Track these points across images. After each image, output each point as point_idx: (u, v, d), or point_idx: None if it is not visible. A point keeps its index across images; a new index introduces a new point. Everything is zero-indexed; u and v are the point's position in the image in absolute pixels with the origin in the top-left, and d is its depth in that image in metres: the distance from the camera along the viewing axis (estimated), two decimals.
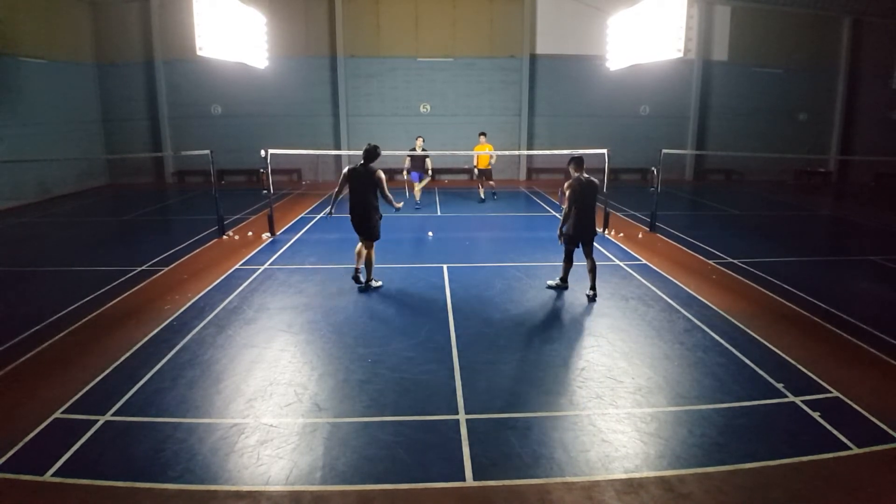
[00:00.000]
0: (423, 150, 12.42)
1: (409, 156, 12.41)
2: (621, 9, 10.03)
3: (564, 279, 6.73)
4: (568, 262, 6.62)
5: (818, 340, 5.34)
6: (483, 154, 12.99)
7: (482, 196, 13.64)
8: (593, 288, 6.43)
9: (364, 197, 6.42)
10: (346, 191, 6.57)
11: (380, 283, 6.88)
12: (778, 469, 3.37)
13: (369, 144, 6.56)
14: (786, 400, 4.18)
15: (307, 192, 15.61)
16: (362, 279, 6.78)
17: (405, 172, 12.65)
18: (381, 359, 4.88)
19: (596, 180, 6.42)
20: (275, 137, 16.28)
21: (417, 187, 12.63)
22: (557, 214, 11.99)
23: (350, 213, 6.54)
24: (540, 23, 17.59)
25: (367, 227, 6.51)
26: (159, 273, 7.54)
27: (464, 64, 17.68)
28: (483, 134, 13.33)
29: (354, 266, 6.80)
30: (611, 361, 4.83)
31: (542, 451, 3.55)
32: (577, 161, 6.36)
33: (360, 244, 6.70)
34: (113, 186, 17.14)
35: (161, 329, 5.54)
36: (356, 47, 17.35)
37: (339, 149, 17.48)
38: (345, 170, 6.57)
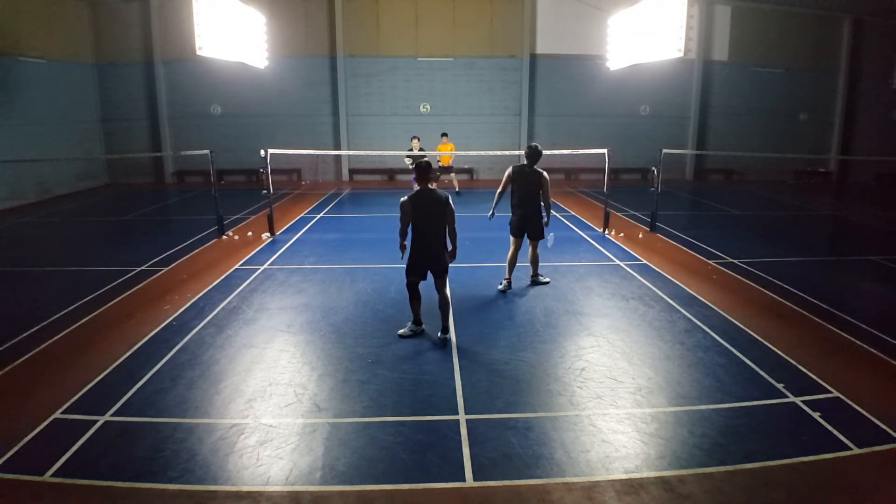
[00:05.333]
0: (421, 149, 12.62)
1: (409, 156, 12.64)
2: (621, 8, 10.02)
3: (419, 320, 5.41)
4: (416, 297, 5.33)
5: (819, 340, 5.33)
6: (445, 154, 14.11)
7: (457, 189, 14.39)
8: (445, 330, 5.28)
9: (531, 197, 6.36)
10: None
11: (548, 280, 6.91)
12: (778, 469, 3.37)
13: (531, 145, 6.43)
14: (786, 400, 4.18)
15: (307, 192, 15.60)
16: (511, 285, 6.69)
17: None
18: (381, 359, 4.87)
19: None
20: (274, 137, 16.26)
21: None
22: (558, 215, 11.99)
23: (513, 213, 6.51)
24: (540, 22, 17.57)
25: (539, 228, 6.51)
26: (159, 273, 7.53)
27: (464, 63, 17.67)
28: (445, 134, 14.39)
29: (506, 278, 6.66)
30: (611, 361, 4.83)
31: (542, 451, 3.55)
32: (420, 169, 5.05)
33: (513, 248, 6.56)
34: (112, 186, 17.12)
35: (160, 329, 5.53)
36: (356, 47, 17.33)
37: (338, 148, 17.46)
38: (509, 170, 6.48)
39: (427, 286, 5.31)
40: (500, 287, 6.71)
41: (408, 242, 5.13)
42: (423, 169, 5.05)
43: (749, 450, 3.54)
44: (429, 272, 5.17)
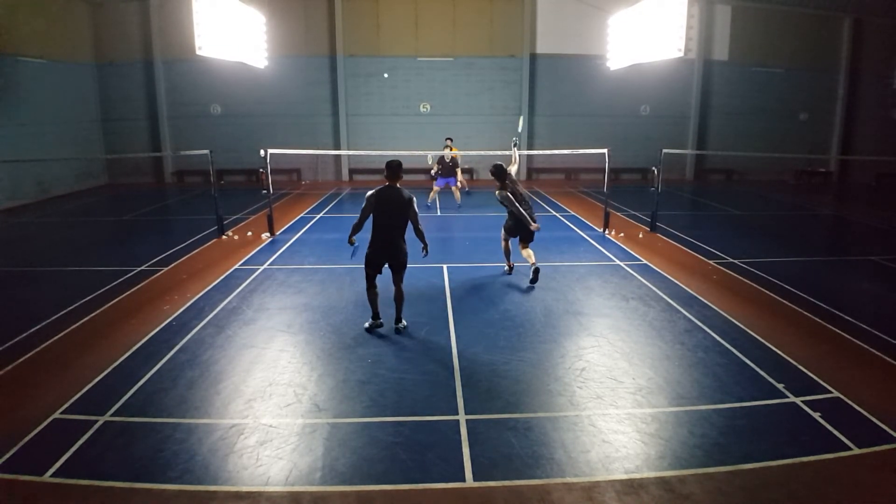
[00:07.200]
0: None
1: (438, 161, 12.30)
2: (622, 8, 10.02)
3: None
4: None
5: (819, 340, 5.33)
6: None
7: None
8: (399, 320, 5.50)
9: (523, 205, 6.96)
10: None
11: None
12: (778, 469, 3.36)
13: (496, 164, 6.82)
14: (786, 400, 4.17)
15: (307, 191, 15.60)
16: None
17: (434, 179, 12.37)
18: (381, 359, 4.87)
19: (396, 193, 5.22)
20: (274, 137, 16.28)
21: (434, 191, 12.52)
22: (558, 214, 11.99)
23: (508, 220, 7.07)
24: (540, 22, 17.58)
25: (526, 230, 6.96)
26: (158, 273, 7.53)
27: (464, 63, 17.67)
28: (450, 139, 13.87)
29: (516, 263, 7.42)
30: (611, 362, 4.82)
31: (542, 451, 3.54)
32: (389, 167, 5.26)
33: (505, 242, 7.30)
34: (112, 186, 17.12)
35: (160, 329, 5.52)
36: (356, 46, 17.34)
37: (338, 148, 17.48)
38: (506, 192, 6.91)
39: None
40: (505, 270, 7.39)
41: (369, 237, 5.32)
42: (394, 168, 5.26)
43: (749, 450, 3.54)
44: (387, 266, 5.38)
